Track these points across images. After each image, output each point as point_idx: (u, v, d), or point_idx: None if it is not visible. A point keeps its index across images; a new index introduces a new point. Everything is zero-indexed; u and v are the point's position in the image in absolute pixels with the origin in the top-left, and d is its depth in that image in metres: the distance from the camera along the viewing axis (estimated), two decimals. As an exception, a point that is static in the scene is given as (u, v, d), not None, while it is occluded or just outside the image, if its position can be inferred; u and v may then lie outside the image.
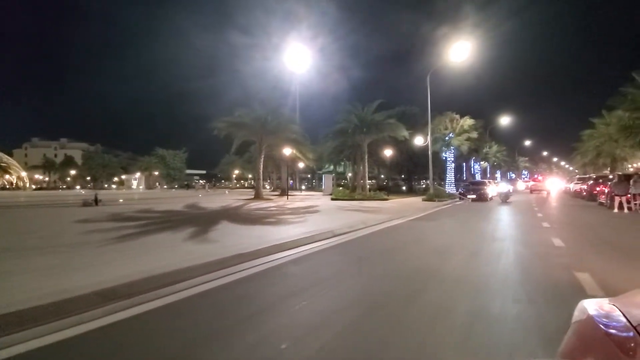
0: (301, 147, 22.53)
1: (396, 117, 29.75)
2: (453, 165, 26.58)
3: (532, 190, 35.13)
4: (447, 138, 25.81)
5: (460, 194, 23.30)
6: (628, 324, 0.84)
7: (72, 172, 79.70)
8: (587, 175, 25.56)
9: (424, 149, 28.43)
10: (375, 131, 22.94)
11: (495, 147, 47.76)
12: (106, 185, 75.86)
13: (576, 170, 65.61)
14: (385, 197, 22.25)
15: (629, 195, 13.79)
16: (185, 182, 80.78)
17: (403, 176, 44.26)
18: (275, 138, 21.04)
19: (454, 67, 22.91)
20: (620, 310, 0.91)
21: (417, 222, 11.04)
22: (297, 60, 37.47)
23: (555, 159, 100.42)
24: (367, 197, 22.00)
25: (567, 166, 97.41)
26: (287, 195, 24.68)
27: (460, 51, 20.00)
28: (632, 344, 0.78)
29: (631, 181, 13.88)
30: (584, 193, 23.40)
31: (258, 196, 21.67)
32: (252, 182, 69.32)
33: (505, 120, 41.97)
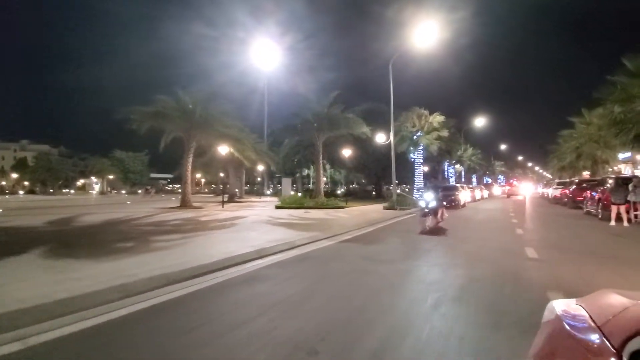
0: (240, 145, 18.83)
1: (362, 115, 26.69)
2: (422, 168, 23.55)
3: (509, 195, 35.22)
4: (415, 137, 22.81)
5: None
6: (593, 324, 0.87)
7: (17, 175, 72.64)
8: (569, 179, 23.07)
9: (402, 154, 25.38)
10: (329, 127, 19.63)
11: (470, 150, 45.56)
12: (52, 190, 69.07)
13: (550, 175, 64.88)
14: (342, 204, 18.89)
15: (627, 204, 10.91)
16: (147, 187, 75.32)
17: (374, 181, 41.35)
18: (203, 133, 17.31)
19: (421, 59, 19.97)
20: (586, 311, 0.96)
21: (349, 246, 7.62)
22: (265, 57, 34.14)
23: (529, 164, 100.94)
24: (319, 204, 18.59)
25: (541, 171, 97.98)
26: (227, 202, 20.89)
27: (426, 35, 16.97)
28: (597, 344, 0.80)
29: (630, 186, 11.02)
30: (565, 199, 20.85)
31: (185, 204, 17.82)
32: (213, 187, 64.78)
33: (479, 122, 39.79)
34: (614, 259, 6.02)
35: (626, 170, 28.74)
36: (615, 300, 0.97)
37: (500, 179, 74.99)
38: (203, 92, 17.69)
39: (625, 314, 0.85)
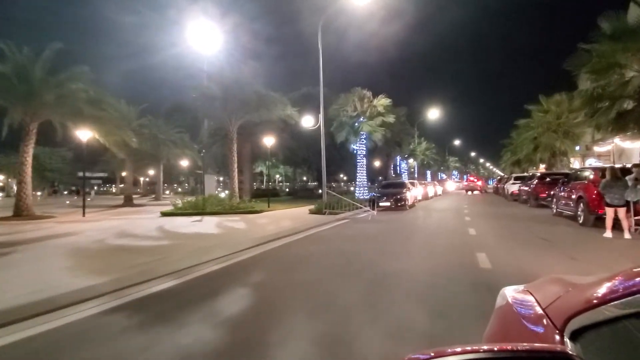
0: (103, 127, 13.40)
1: (302, 101, 22.38)
2: (364, 160, 19.69)
3: (467, 190, 36.73)
4: (356, 124, 18.91)
5: (370, 201, 16.46)
6: (539, 307, 0.93)
7: None
8: (529, 173, 20.36)
9: (341, 144, 21.32)
10: (243, 107, 15.01)
11: (424, 144, 43.09)
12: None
13: (500, 172, 65.09)
14: (257, 208, 14.40)
15: (627, 206, 7.51)
16: (73, 188, 65.83)
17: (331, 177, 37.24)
18: (50, 110, 11.82)
19: (370, 41, 16.02)
20: (533, 296, 1.02)
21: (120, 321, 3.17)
22: (204, 39, 28.72)
23: (481, 160, 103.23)
24: (229, 208, 13.99)
25: (491, 167, 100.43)
26: (121, 205, 15.51)
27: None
28: (542, 325, 0.84)
29: (629, 180, 7.63)
30: (525, 196, 17.99)
31: (21, 211, 12.30)
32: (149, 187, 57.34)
33: (433, 114, 37.15)
34: None
35: (579, 163, 27.05)
36: (559, 284, 1.03)
37: (454, 175, 74.71)
38: (51, 50, 12.23)
39: (566, 297, 0.90)
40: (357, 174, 19.47)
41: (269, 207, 16.30)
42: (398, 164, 35.77)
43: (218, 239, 7.66)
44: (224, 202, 14.45)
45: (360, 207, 13.36)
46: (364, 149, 19.43)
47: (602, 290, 0.77)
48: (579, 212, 9.51)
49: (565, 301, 0.87)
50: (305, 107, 23.66)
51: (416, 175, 39.15)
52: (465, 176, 72.39)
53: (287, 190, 38.54)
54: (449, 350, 0.65)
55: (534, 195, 16.24)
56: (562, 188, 11.34)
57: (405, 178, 34.68)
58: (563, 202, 11.10)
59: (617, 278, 0.80)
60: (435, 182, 37.00)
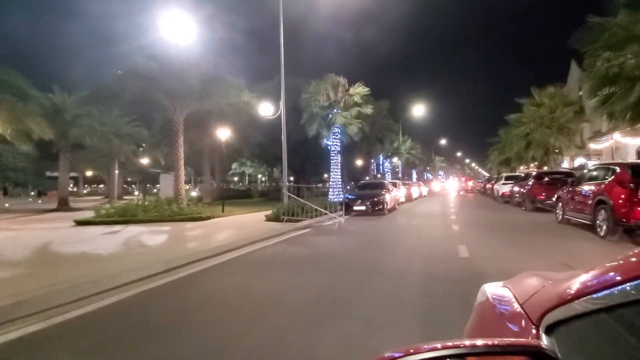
0: None
1: (273, 91, 19.83)
2: (340, 158, 17.20)
3: (461, 190, 36.85)
4: (330, 115, 16.46)
5: (343, 203, 14.11)
6: (516, 302, 0.95)
7: None
8: (524, 172, 18.30)
9: (314, 139, 18.82)
10: (187, 91, 12.39)
11: (409, 143, 41.03)
12: None
13: (485, 173, 63.82)
14: (205, 214, 11.78)
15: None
16: (39, 189, 61.61)
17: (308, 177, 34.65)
18: None
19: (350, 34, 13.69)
20: (511, 292, 1.04)
21: None
22: (177, 29, 25.81)
23: (467, 160, 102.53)
24: (167, 215, 11.36)
25: (477, 168, 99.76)
26: (54, 210, 12.63)
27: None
28: (519, 319, 0.87)
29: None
30: (518, 198, 15.93)
31: None
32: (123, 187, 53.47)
33: (418, 111, 35.01)
34: None
35: (568, 162, 25.36)
36: (535, 280, 1.03)
37: (440, 175, 73.34)
38: None
39: (542, 292, 0.90)
40: (331, 173, 17.00)
41: (223, 212, 13.74)
42: (381, 163, 33.55)
43: (91, 269, 5.10)
44: (162, 207, 11.79)
45: (326, 214, 10.90)
46: (339, 144, 16.99)
47: (576, 285, 0.76)
48: (599, 222, 7.30)
49: (541, 296, 0.88)
50: (278, 97, 21.19)
51: (400, 175, 37.07)
52: (451, 177, 71.20)
53: (267, 190, 35.90)
54: (425, 346, 0.65)
55: (530, 198, 14.15)
56: (571, 190, 9.17)
57: (389, 178, 32.50)
58: (573, 206, 8.92)
59: (591, 273, 0.77)
60: (421, 182, 34.98)
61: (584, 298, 0.69)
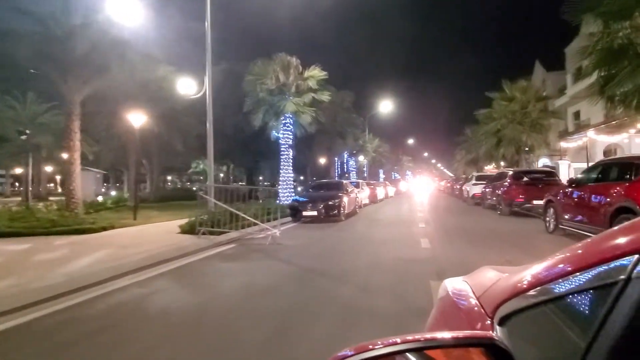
0: None
1: (219, 77, 16.85)
2: (292, 153, 14.49)
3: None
4: (280, 102, 13.71)
5: (291, 207, 11.57)
6: (473, 296, 0.98)
7: None
8: (495, 173, 16.57)
9: (261, 131, 16.05)
10: (78, 61, 9.25)
11: (376, 141, 39.25)
12: None
13: (450, 174, 63.77)
14: (94, 224, 8.73)
15: None
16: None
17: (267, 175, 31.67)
18: None
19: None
20: (469, 286, 1.07)
21: None
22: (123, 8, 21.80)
23: (433, 161, 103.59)
24: (36, 225, 8.23)
25: (443, 168, 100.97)
26: None
27: None
28: (476, 312, 0.89)
29: None
30: (492, 200, 14.12)
31: None
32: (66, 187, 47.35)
33: (386, 107, 33.10)
34: None
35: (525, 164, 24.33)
36: (491, 274, 1.05)
37: (408, 174, 72.93)
38: None
39: (496, 286, 0.92)
40: (281, 171, 14.29)
41: (135, 219, 10.70)
42: (345, 161, 31.34)
43: None
44: (33, 216, 8.62)
45: (257, 224, 8.12)
46: (290, 136, 14.31)
47: (527, 277, 0.78)
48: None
49: (495, 290, 0.90)
50: (225, 85, 18.25)
51: (367, 175, 35.11)
52: (419, 177, 71.04)
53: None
54: (379, 343, 0.64)
55: (506, 200, 12.28)
56: (569, 193, 7.14)
57: (354, 177, 30.34)
58: (572, 214, 6.88)
59: (542, 265, 0.78)
60: (387, 182, 33.17)
61: (535, 289, 0.71)
